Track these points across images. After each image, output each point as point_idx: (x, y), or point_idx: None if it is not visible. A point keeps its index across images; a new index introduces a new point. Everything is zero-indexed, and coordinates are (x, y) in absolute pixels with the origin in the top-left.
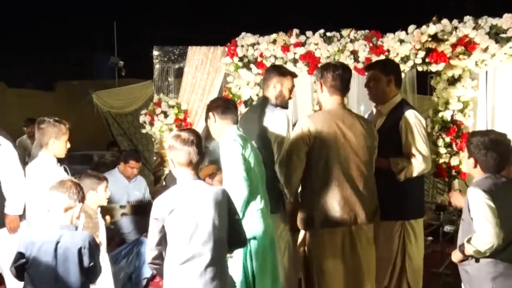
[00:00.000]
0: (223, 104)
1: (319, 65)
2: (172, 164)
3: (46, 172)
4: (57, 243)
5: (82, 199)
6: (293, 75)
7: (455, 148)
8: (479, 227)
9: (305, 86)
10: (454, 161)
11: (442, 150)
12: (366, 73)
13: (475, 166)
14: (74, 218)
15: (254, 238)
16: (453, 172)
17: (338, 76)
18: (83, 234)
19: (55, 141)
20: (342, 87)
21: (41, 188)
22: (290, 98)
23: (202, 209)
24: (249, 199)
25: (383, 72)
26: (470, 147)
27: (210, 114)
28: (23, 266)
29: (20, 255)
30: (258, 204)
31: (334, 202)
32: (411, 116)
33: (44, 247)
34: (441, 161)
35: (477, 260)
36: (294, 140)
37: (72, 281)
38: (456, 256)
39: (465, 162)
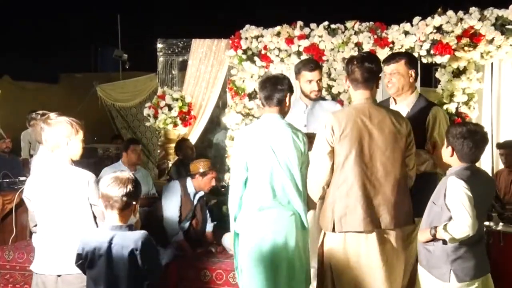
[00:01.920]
0: None
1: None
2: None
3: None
4: (110, 244)
5: (138, 197)
6: (309, 69)
7: None
8: (458, 216)
9: None
10: None
11: None
12: (386, 65)
13: (452, 155)
14: (129, 217)
15: None
16: None
17: (358, 69)
18: (134, 234)
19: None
20: (363, 79)
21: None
22: (313, 92)
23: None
24: None
25: (407, 66)
26: (449, 136)
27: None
28: (83, 265)
29: (78, 256)
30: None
31: (357, 205)
32: (439, 111)
33: (98, 248)
34: None
35: (444, 243)
36: (317, 139)
37: (122, 286)
38: (424, 236)
39: (443, 151)
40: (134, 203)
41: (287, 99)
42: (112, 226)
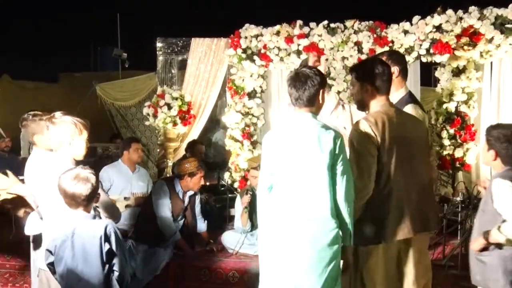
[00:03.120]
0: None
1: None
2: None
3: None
4: (73, 235)
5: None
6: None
7: (459, 140)
8: (510, 217)
9: None
10: (458, 153)
11: (446, 142)
12: None
13: (495, 159)
14: (92, 207)
15: None
16: (457, 164)
17: (388, 72)
18: (99, 222)
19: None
20: (391, 83)
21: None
22: None
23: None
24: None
25: (388, 62)
26: (491, 140)
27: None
28: (53, 263)
29: (48, 252)
30: None
31: (398, 211)
32: (409, 110)
33: (63, 241)
34: (445, 153)
35: (499, 247)
36: (360, 142)
37: (93, 273)
38: (478, 243)
39: (483, 154)
40: (97, 195)
41: (320, 96)
42: (75, 217)
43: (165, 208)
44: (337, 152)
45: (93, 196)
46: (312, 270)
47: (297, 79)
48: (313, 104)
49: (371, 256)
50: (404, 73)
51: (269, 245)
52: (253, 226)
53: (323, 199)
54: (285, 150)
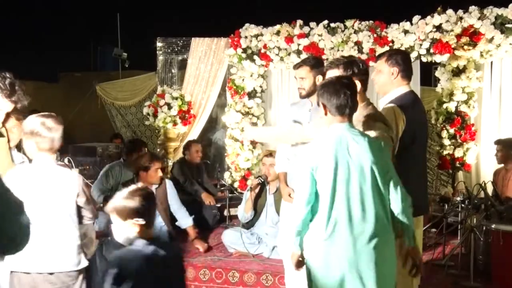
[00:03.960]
0: None
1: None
2: (35, 148)
3: None
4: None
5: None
6: (295, 66)
7: (459, 140)
8: None
9: None
10: (458, 153)
11: (446, 141)
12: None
13: None
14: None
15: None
16: (457, 164)
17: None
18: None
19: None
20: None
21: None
22: (302, 88)
23: (53, 192)
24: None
25: (387, 63)
26: None
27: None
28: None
29: (117, 276)
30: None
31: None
32: (384, 109)
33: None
34: (445, 152)
35: None
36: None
37: None
38: None
39: None
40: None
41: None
42: (147, 241)
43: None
44: (388, 159)
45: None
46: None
47: (344, 86)
48: (353, 112)
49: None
50: (404, 74)
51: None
52: (255, 216)
53: (378, 208)
54: (334, 162)
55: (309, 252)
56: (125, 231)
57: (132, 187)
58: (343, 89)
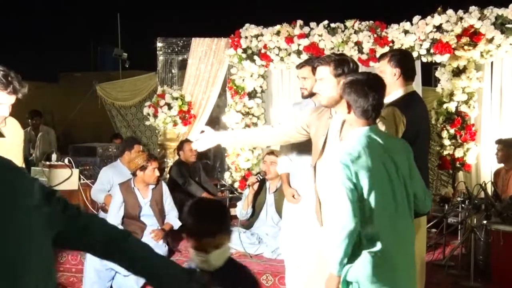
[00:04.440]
0: None
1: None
2: None
3: None
4: None
5: None
6: (298, 66)
7: (459, 140)
8: None
9: None
10: (458, 153)
11: (446, 142)
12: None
13: None
14: None
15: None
16: (457, 164)
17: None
18: None
19: None
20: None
21: None
22: (304, 88)
23: None
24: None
25: (389, 64)
26: None
27: None
28: None
29: None
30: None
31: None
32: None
33: None
34: (445, 153)
35: None
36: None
37: None
38: None
39: None
40: None
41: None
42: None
43: (112, 212)
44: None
45: None
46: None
47: (378, 85)
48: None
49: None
50: (407, 75)
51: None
52: (254, 215)
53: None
54: (379, 168)
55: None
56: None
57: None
58: (372, 92)
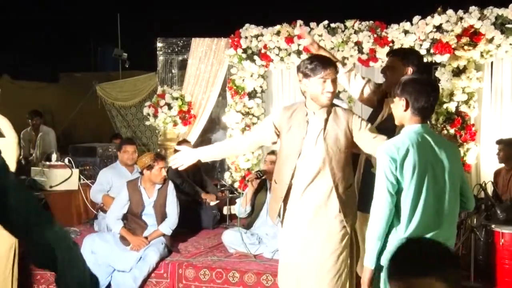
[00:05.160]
0: None
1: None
2: None
3: None
4: None
5: None
6: None
7: (459, 140)
8: None
9: None
10: None
11: None
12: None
13: None
14: None
15: None
16: None
17: None
18: None
19: None
20: None
21: None
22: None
23: None
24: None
25: (402, 61)
26: None
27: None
28: None
29: None
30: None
31: None
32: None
33: None
34: None
35: None
36: None
37: None
38: None
39: None
40: None
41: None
42: None
43: (114, 207)
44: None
45: None
46: None
47: (431, 85)
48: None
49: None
50: (418, 74)
51: None
52: (254, 214)
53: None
54: (426, 167)
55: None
56: None
57: None
58: (432, 93)
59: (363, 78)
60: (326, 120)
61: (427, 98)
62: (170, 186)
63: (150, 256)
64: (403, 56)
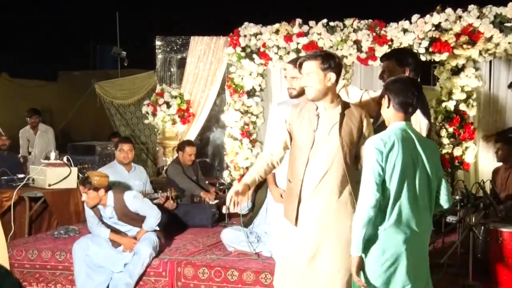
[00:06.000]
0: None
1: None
2: None
3: None
4: None
5: None
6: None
7: (458, 139)
8: None
9: None
10: (457, 152)
11: (445, 140)
12: (381, 63)
13: None
14: None
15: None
16: (456, 163)
17: None
18: None
19: None
20: None
21: None
22: (293, 88)
23: None
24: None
25: (397, 63)
26: None
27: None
28: None
29: None
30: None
31: None
32: None
33: None
34: (444, 151)
35: None
36: None
37: None
38: None
39: None
40: None
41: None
42: None
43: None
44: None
45: None
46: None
47: (416, 85)
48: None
49: None
50: (415, 74)
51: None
52: (253, 208)
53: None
54: (410, 162)
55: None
56: None
57: None
58: (412, 88)
59: (361, 89)
60: (342, 115)
61: (406, 93)
62: (127, 197)
63: (143, 250)
64: (397, 58)
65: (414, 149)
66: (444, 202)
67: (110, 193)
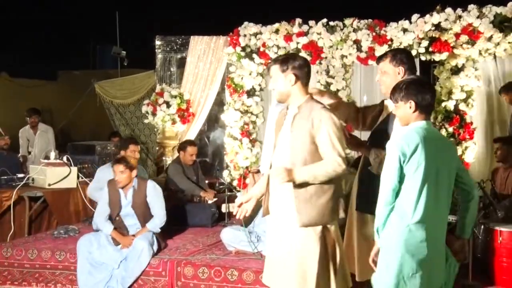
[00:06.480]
0: None
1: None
2: None
3: None
4: None
5: None
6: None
7: (458, 138)
8: None
9: None
10: None
11: None
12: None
13: None
14: None
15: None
16: None
17: None
18: None
19: None
20: None
21: None
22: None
23: None
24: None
25: (392, 63)
26: None
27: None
28: None
29: None
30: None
31: None
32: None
33: None
34: None
35: None
36: None
37: None
38: None
39: None
40: None
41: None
42: None
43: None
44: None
45: None
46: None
47: (429, 86)
48: None
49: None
50: (411, 72)
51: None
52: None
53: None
54: (430, 159)
55: (389, 238)
56: None
57: None
58: (432, 89)
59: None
60: (294, 116)
61: (430, 95)
62: (150, 185)
63: (139, 243)
64: (391, 58)
65: (435, 148)
66: (475, 193)
67: (136, 178)
